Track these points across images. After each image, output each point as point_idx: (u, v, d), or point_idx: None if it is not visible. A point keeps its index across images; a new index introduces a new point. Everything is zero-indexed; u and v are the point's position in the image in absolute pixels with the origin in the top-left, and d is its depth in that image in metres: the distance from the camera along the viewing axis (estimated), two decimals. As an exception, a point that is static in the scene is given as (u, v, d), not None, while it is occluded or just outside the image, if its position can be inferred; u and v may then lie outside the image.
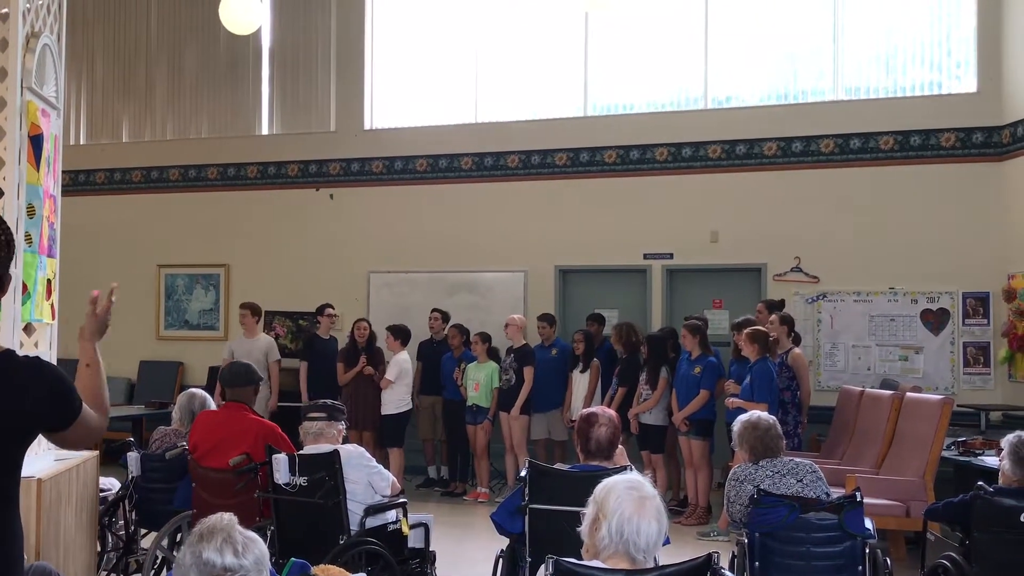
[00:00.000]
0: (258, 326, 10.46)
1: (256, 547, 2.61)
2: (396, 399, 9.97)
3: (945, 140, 10.06)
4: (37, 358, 2.80)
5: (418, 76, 12.05)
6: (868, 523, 4.66)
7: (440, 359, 10.48)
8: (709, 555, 3.06)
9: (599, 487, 3.04)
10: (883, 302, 10.14)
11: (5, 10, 4.94)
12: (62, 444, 3.00)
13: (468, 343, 10.28)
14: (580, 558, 3.05)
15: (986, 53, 9.96)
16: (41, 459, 5.07)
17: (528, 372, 9.81)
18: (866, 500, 4.79)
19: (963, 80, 10.21)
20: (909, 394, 8.13)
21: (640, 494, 2.98)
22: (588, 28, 11.33)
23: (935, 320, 10.00)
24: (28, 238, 4.81)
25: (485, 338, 10.07)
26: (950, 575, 4.76)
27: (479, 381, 9.96)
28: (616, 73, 11.34)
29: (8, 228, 2.76)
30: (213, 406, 6.44)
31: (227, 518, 2.63)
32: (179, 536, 5.85)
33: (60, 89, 5.33)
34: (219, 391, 7.26)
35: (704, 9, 10.95)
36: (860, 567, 4.57)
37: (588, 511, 3.04)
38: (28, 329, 4.98)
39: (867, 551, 4.60)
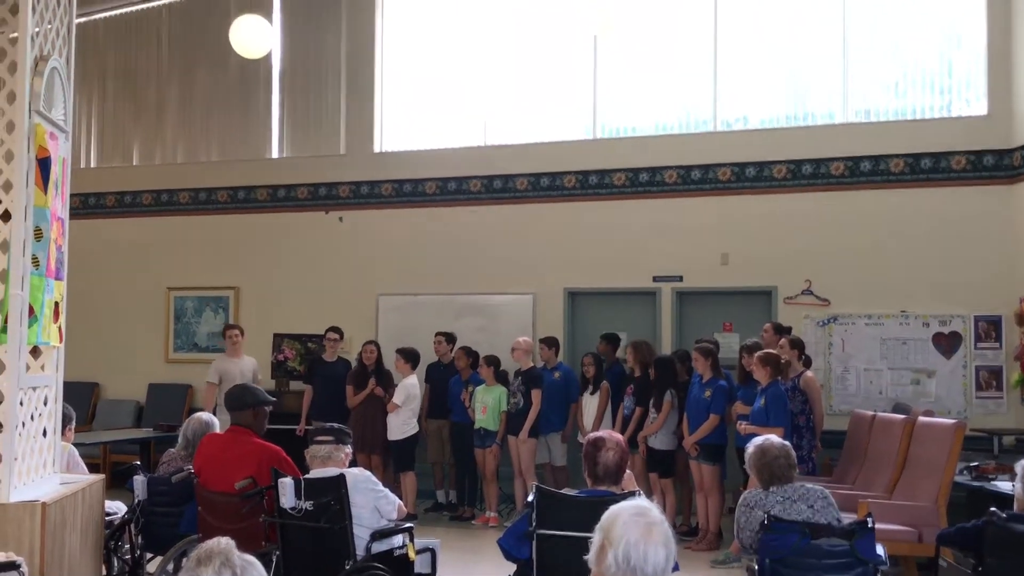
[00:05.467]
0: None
1: (254, 570, 2.58)
2: (401, 424, 9.94)
3: (956, 163, 10.02)
4: None
5: (428, 99, 12.08)
6: (880, 549, 4.61)
7: (447, 382, 10.45)
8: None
9: (606, 514, 3.00)
10: (895, 325, 10.09)
11: (14, 34, 4.95)
12: None
13: (476, 366, 10.24)
14: (587, 585, 3.01)
15: (996, 75, 9.93)
16: (46, 482, 5.05)
17: (536, 395, 9.76)
18: (878, 525, 4.74)
19: (973, 103, 10.19)
20: (921, 418, 8.06)
21: (647, 520, 2.93)
22: (597, 51, 11.34)
23: (947, 343, 9.94)
24: (35, 261, 4.79)
25: (491, 361, 10.03)
26: (963, 602, 4.70)
27: (487, 404, 9.92)
28: (625, 96, 11.35)
29: None
30: (216, 429, 6.41)
31: (224, 542, 2.60)
32: (183, 560, 5.81)
33: (69, 112, 5.33)
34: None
35: (713, 32, 10.96)
36: (872, 594, 4.52)
37: (594, 539, 3.00)
38: (35, 352, 4.96)
39: (879, 577, 4.55)
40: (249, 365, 10.59)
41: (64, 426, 5.75)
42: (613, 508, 3.01)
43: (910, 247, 10.06)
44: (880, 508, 6.99)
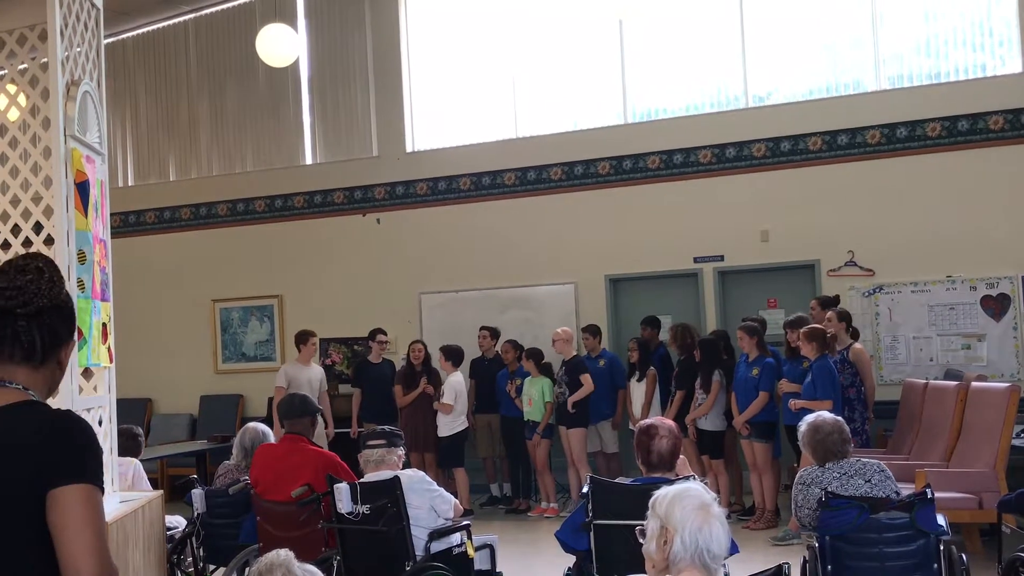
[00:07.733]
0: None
1: (316, 578, 2.60)
2: (449, 420, 9.96)
3: (993, 123, 9.87)
4: (61, 413, 2.15)
5: (456, 95, 12.08)
6: (941, 519, 4.57)
7: (493, 376, 10.46)
8: (779, 566, 3.00)
9: (657, 501, 2.99)
10: (941, 291, 9.96)
11: (44, 59, 5.00)
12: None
13: (522, 358, 10.24)
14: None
15: (1030, 31, 9.78)
16: (106, 502, 5.11)
17: (585, 378, 9.72)
18: (937, 494, 4.69)
19: (1007, 61, 10.02)
20: (974, 383, 7.98)
21: (702, 502, 2.94)
22: (623, 35, 11.29)
23: (996, 306, 9.80)
24: (80, 284, 4.85)
25: (532, 355, 9.99)
26: (1030, 568, 4.64)
27: (532, 396, 9.92)
28: (654, 78, 11.28)
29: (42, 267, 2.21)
30: (271, 438, 6.46)
31: (283, 554, 2.63)
32: (247, 570, 5.87)
33: (103, 135, 5.39)
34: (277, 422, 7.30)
35: (739, 6, 10.86)
36: (935, 565, 4.48)
37: (650, 526, 2.99)
38: (87, 374, 5.02)
39: (941, 548, 4.50)
40: (317, 374, 10.24)
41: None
42: (663, 494, 3.00)
43: (952, 211, 9.92)
44: (938, 477, 6.93)
